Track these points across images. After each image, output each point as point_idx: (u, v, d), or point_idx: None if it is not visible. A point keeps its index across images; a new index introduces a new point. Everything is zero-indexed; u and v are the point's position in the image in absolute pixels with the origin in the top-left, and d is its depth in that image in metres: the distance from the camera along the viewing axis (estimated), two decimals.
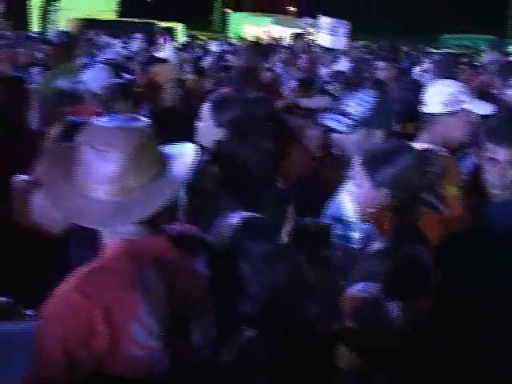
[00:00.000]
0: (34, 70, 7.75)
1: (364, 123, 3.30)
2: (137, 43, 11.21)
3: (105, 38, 12.97)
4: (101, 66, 5.46)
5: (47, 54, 7.54)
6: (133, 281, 1.83)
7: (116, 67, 5.63)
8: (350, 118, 3.30)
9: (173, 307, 1.90)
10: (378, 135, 3.32)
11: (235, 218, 2.23)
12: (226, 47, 11.90)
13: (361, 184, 2.60)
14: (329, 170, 3.93)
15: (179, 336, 1.94)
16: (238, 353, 2.10)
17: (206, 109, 3.18)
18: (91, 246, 2.12)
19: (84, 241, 2.37)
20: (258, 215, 2.26)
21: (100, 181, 1.84)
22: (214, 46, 11.87)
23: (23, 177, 2.90)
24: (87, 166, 1.86)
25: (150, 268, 1.88)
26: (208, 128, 3.12)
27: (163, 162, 1.92)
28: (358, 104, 3.32)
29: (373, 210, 2.56)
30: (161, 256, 1.92)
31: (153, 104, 4.59)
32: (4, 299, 1.95)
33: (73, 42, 6.63)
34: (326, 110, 4.70)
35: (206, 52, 11.68)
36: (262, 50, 5.83)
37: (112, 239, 1.91)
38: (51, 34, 10.72)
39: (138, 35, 12.09)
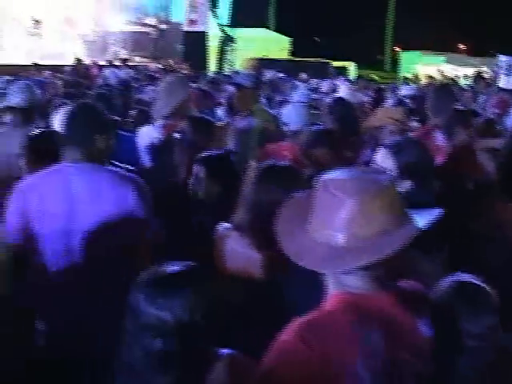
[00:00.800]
0: (219, 111, 7.97)
1: None
2: (322, 84, 11.31)
3: (284, 78, 13.22)
4: (299, 105, 5.49)
5: (231, 94, 7.69)
6: (354, 334, 1.81)
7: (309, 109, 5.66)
8: None
9: (391, 365, 1.84)
10: None
11: (454, 282, 2.18)
12: (407, 89, 11.71)
13: None
14: None
15: None
16: None
17: (381, 154, 3.05)
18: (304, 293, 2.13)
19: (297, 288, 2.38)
20: (477, 282, 2.18)
21: (331, 226, 1.84)
22: (403, 90, 11.64)
23: (225, 225, 2.93)
24: (319, 210, 1.88)
25: (372, 323, 1.84)
26: None
27: (400, 215, 1.87)
28: None
29: None
30: (385, 313, 1.87)
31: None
32: (230, 351, 1.96)
33: (258, 84, 6.78)
34: None
35: (380, 91, 11.53)
36: (450, 91, 5.67)
37: (337, 290, 1.90)
38: (237, 75, 11.03)
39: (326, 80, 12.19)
